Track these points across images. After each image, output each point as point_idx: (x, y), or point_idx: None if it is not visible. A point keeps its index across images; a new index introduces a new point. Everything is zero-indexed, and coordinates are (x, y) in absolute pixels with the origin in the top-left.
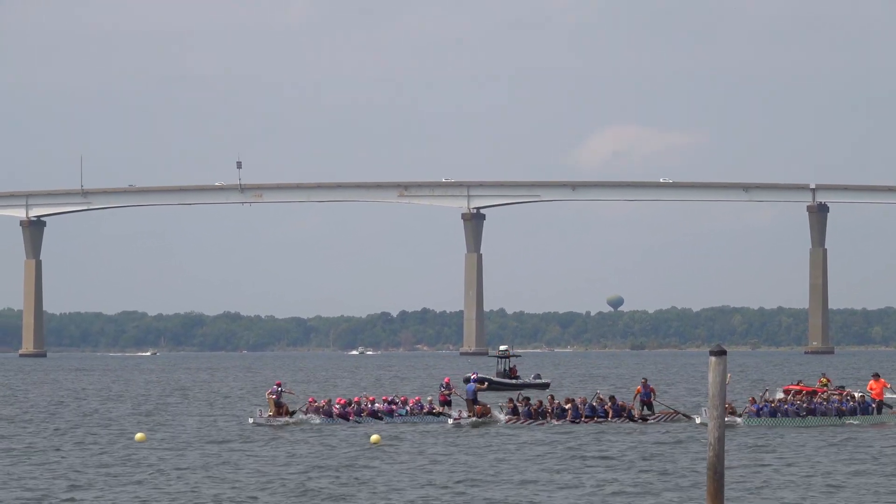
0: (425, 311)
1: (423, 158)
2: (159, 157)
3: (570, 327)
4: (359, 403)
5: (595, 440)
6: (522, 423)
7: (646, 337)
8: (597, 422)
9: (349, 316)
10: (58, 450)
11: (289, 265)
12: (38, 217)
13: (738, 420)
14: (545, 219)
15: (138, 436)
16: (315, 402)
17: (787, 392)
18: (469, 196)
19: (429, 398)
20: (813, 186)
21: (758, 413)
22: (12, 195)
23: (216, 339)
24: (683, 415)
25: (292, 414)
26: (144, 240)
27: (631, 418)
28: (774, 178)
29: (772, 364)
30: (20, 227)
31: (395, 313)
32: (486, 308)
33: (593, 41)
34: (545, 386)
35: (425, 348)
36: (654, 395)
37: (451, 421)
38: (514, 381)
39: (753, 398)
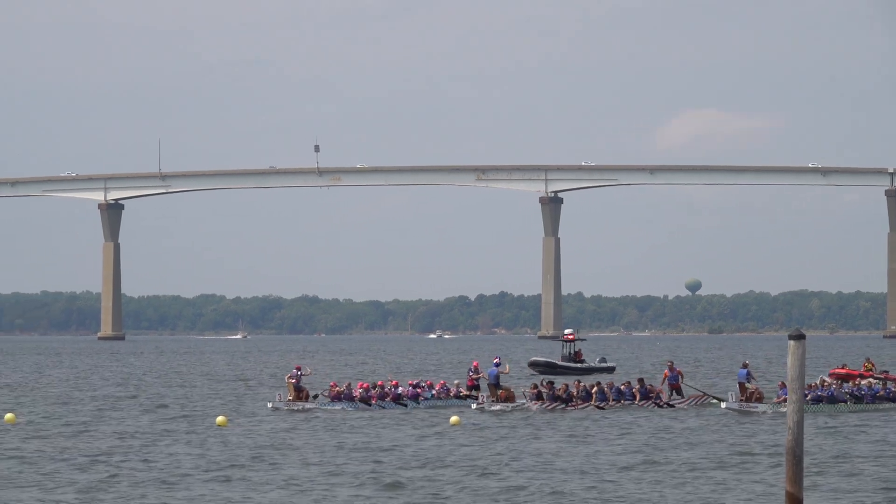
0: (503, 294)
1: (500, 142)
2: (238, 141)
3: (647, 311)
4: (382, 387)
5: (635, 424)
6: (547, 406)
7: (723, 321)
8: (623, 405)
9: (427, 299)
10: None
11: (367, 248)
12: (117, 200)
13: (765, 408)
14: (623, 202)
15: (219, 419)
16: (337, 386)
17: (832, 376)
18: (547, 180)
19: (455, 382)
20: (891, 170)
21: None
22: (91, 178)
23: (294, 322)
24: (714, 397)
25: (315, 398)
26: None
27: (658, 403)
28: (853, 162)
29: (850, 348)
30: (98, 211)
31: (472, 297)
32: (564, 291)
33: (671, 24)
34: (611, 370)
35: (503, 332)
36: (682, 378)
37: (474, 405)
38: (579, 366)
39: (783, 383)
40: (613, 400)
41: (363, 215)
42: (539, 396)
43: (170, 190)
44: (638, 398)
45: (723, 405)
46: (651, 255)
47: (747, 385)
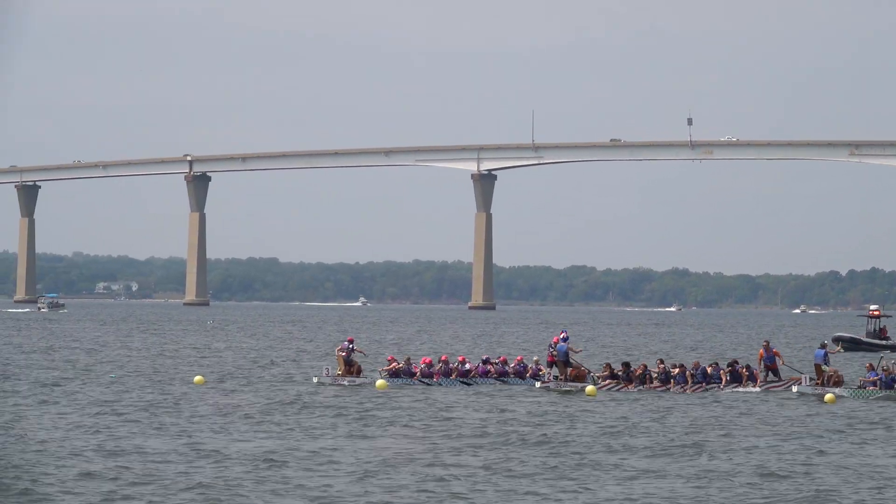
0: (874, 270)
1: (874, 117)
2: (610, 112)
3: None
4: (446, 363)
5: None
6: (620, 388)
7: None
8: (706, 388)
9: (797, 274)
10: None
11: (737, 222)
12: (490, 171)
13: (842, 392)
14: None
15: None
16: (395, 360)
17: None
18: None
19: (535, 359)
20: None
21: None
22: (464, 149)
23: (664, 295)
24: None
25: (359, 373)
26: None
27: (737, 380)
28: None
29: None
30: (471, 181)
31: (843, 272)
32: None
33: None
34: None
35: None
36: (781, 358)
37: (538, 384)
38: (884, 343)
39: (871, 364)
40: (697, 383)
41: (734, 189)
42: (613, 377)
43: (542, 161)
44: (724, 381)
45: (794, 388)
46: None
47: (824, 367)
